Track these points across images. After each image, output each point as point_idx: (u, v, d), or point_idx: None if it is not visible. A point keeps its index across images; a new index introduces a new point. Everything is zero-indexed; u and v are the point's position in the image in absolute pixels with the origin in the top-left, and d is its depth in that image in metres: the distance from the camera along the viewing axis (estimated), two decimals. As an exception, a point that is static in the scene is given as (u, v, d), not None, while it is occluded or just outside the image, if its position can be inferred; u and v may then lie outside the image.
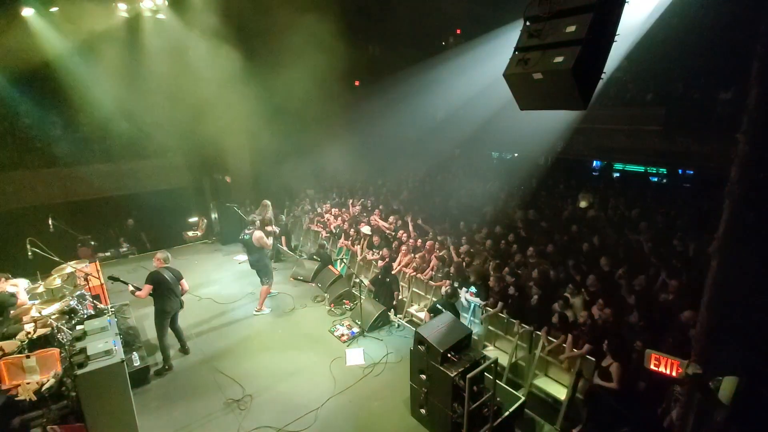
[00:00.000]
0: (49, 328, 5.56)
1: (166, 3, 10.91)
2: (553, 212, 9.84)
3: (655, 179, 11.73)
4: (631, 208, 8.90)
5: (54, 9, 9.68)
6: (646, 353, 3.78)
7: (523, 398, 5.31)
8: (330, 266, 9.15)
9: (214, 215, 12.31)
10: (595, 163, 13.46)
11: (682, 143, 8.55)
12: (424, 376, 5.03)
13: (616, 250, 7.26)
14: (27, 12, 9.52)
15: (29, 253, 6.66)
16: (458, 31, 15.90)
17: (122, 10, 10.50)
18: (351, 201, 11.75)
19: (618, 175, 12.61)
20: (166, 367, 6.23)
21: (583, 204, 9.87)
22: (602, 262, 6.86)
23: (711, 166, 7.89)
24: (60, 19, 9.84)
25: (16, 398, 4.75)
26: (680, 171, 10.95)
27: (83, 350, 4.64)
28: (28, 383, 4.94)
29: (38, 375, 5.09)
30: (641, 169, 11.82)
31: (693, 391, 3.23)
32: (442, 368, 4.76)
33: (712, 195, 7.90)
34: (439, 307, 6.48)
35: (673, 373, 3.50)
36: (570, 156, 11.71)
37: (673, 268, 6.14)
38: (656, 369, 3.64)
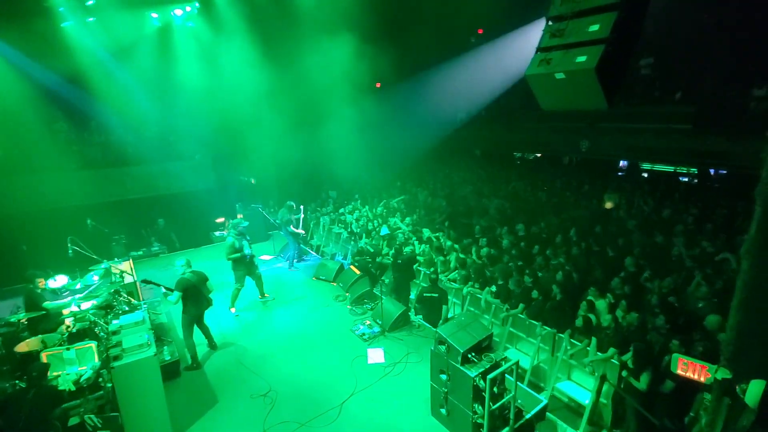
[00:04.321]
0: (87, 323, 5.86)
1: (196, 12, 11.31)
2: (578, 213, 9.66)
3: (686, 179, 11.35)
4: (659, 209, 8.66)
5: (91, 19, 10.18)
6: (674, 357, 3.69)
7: (545, 401, 5.26)
8: (352, 266, 9.26)
9: (239, 215, 12.63)
10: (621, 162, 13.13)
11: (713, 142, 8.25)
12: (444, 377, 5.05)
13: (642, 252, 7.09)
14: (66, 23, 10.05)
15: (70, 251, 7.02)
16: (480, 31, 15.78)
17: (154, 18, 10.94)
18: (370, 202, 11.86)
19: (646, 175, 12.26)
20: (194, 365, 6.46)
21: (608, 205, 9.66)
22: (627, 264, 6.72)
23: (744, 165, 7.60)
24: (96, 29, 10.34)
25: (57, 388, 5.03)
26: (712, 171, 10.56)
27: (119, 344, 4.90)
28: (67, 374, 5.22)
29: (77, 366, 5.37)
30: (670, 168, 11.46)
31: (722, 397, 3.14)
32: (462, 369, 4.77)
33: (745, 195, 7.63)
34: (426, 295, 6.78)
35: (701, 379, 3.41)
36: (595, 156, 11.47)
37: (703, 271, 5.95)
38: (683, 374, 3.55)
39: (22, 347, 5.51)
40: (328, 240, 11.94)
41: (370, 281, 8.43)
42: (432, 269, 7.94)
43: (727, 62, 8.63)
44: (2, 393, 4.42)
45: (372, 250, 8.69)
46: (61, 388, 4.98)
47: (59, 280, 7.02)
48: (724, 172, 10.11)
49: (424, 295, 7.11)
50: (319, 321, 7.83)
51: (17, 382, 4.81)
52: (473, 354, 4.86)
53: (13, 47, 9.89)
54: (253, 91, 11.88)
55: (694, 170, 10.93)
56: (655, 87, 10.33)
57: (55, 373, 5.18)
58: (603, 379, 5.19)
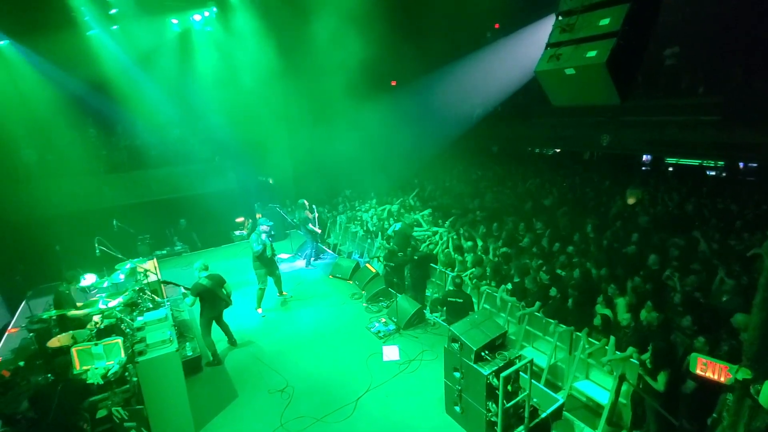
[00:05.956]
0: (114, 319, 6.11)
1: (214, 16, 11.57)
2: (599, 209, 9.43)
3: (713, 173, 10.91)
4: (683, 205, 8.37)
5: (114, 27, 10.57)
6: (692, 357, 3.59)
7: (561, 400, 5.19)
8: (368, 265, 9.33)
9: (258, 215, 12.88)
10: (645, 157, 12.73)
11: (742, 134, 7.91)
12: (458, 374, 5.05)
13: (665, 249, 6.87)
14: (91, 32, 10.46)
15: (97, 251, 7.33)
16: (497, 26, 15.56)
17: (174, 24, 11.26)
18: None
19: (671, 169, 11.85)
20: (215, 361, 6.67)
21: (631, 200, 9.38)
22: (651, 261, 6.53)
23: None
24: (120, 37, 10.73)
25: (86, 381, 5.28)
26: (741, 164, 10.12)
27: (143, 339, 5.11)
28: (96, 368, 5.46)
29: (105, 361, 5.61)
30: (697, 162, 11.04)
31: (743, 398, 3.04)
32: (475, 366, 4.76)
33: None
34: (451, 299, 6.58)
35: (722, 379, 3.31)
36: (617, 150, 11.15)
37: (730, 268, 5.73)
38: (703, 374, 3.45)
39: (54, 342, 5.79)
40: (344, 238, 12.04)
41: (385, 279, 8.48)
42: (456, 272, 7.75)
43: (756, 51, 8.25)
44: (35, 386, 4.67)
45: (396, 248, 8.63)
46: (90, 381, 5.21)
47: (88, 279, 7.35)
48: (755, 165, 9.68)
49: (449, 299, 6.87)
50: (336, 318, 7.94)
51: (49, 375, 5.06)
52: (487, 352, 4.84)
53: (43, 57, 10.35)
54: (271, 92, 12.07)
55: (721, 163, 10.50)
56: (681, 78, 9.95)
57: (84, 367, 5.43)
58: (622, 378, 5.09)
